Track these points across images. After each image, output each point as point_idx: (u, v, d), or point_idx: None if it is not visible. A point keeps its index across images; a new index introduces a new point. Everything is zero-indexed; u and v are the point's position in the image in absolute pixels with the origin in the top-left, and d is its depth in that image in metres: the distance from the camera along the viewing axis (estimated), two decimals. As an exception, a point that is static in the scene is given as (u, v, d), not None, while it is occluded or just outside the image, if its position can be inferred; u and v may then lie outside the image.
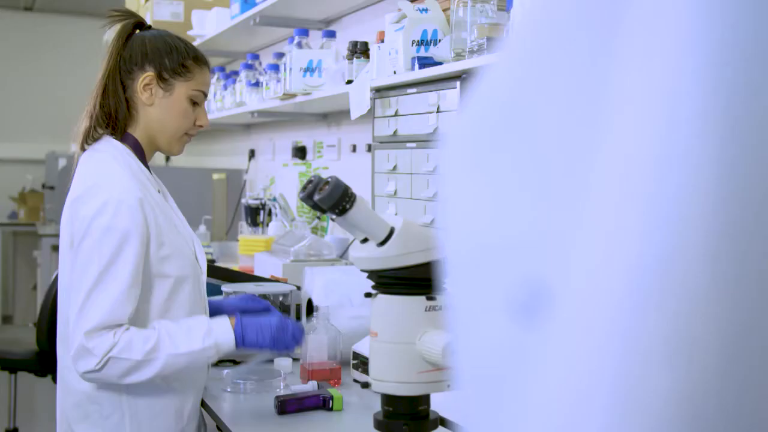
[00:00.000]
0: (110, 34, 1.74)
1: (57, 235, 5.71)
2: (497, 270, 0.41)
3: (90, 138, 1.69)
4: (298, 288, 2.21)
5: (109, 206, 1.54)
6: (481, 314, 0.41)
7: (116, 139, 1.69)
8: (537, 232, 0.40)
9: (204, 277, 1.75)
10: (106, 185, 1.58)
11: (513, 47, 0.46)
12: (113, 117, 1.68)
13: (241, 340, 1.57)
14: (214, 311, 1.75)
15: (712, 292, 0.37)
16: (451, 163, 0.45)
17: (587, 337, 0.37)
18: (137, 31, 1.74)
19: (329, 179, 1.26)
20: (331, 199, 1.24)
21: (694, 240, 0.37)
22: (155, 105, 1.69)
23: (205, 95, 1.76)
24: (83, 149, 1.70)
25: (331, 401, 1.69)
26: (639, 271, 0.37)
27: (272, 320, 1.61)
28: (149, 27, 1.77)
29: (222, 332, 1.55)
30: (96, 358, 1.48)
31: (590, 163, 0.39)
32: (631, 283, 0.37)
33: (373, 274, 1.30)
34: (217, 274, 2.38)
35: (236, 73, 3.81)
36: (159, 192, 1.70)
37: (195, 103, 1.73)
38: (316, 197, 1.26)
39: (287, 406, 1.68)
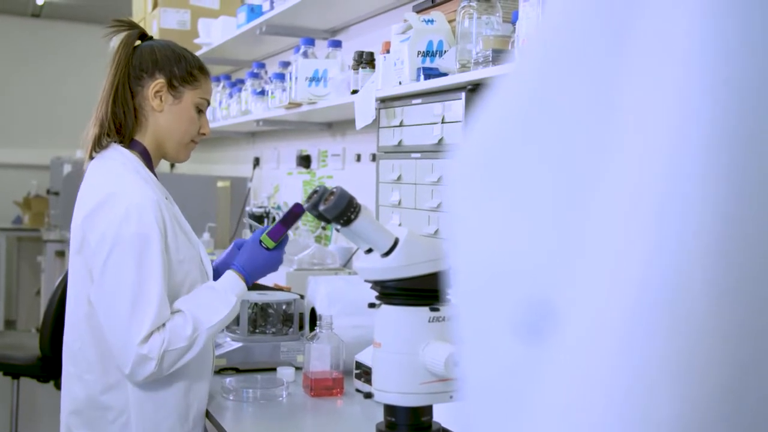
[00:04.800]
0: (116, 42, 1.77)
1: (61, 241, 5.62)
2: (506, 290, 0.41)
3: (98, 146, 1.71)
4: (302, 297, 2.21)
5: (132, 213, 1.57)
6: (489, 332, 0.41)
7: (123, 146, 1.71)
8: (545, 253, 0.40)
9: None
10: (123, 193, 1.60)
11: (523, 66, 0.46)
12: (121, 124, 1.70)
13: (250, 281, 1.73)
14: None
15: (718, 315, 0.37)
16: (462, 180, 0.45)
17: (594, 358, 0.38)
18: (139, 42, 1.77)
19: (334, 189, 1.27)
20: (336, 210, 1.24)
21: (701, 261, 0.37)
22: (165, 112, 1.73)
23: (209, 103, 1.81)
24: (91, 157, 1.72)
25: None
26: (646, 292, 0.37)
27: (259, 253, 1.75)
28: (151, 38, 1.82)
29: (234, 286, 1.69)
30: (154, 361, 1.54)
31: (598, 183, 0.39)
32: (637, 304, 0.37)
33: (377, 285, 1.30)
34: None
35: (242, 81, 3.82)
36: (166, 198, 1.72)
37: (199, 111, 1.78)
38: (321, 207, 1.26)
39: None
